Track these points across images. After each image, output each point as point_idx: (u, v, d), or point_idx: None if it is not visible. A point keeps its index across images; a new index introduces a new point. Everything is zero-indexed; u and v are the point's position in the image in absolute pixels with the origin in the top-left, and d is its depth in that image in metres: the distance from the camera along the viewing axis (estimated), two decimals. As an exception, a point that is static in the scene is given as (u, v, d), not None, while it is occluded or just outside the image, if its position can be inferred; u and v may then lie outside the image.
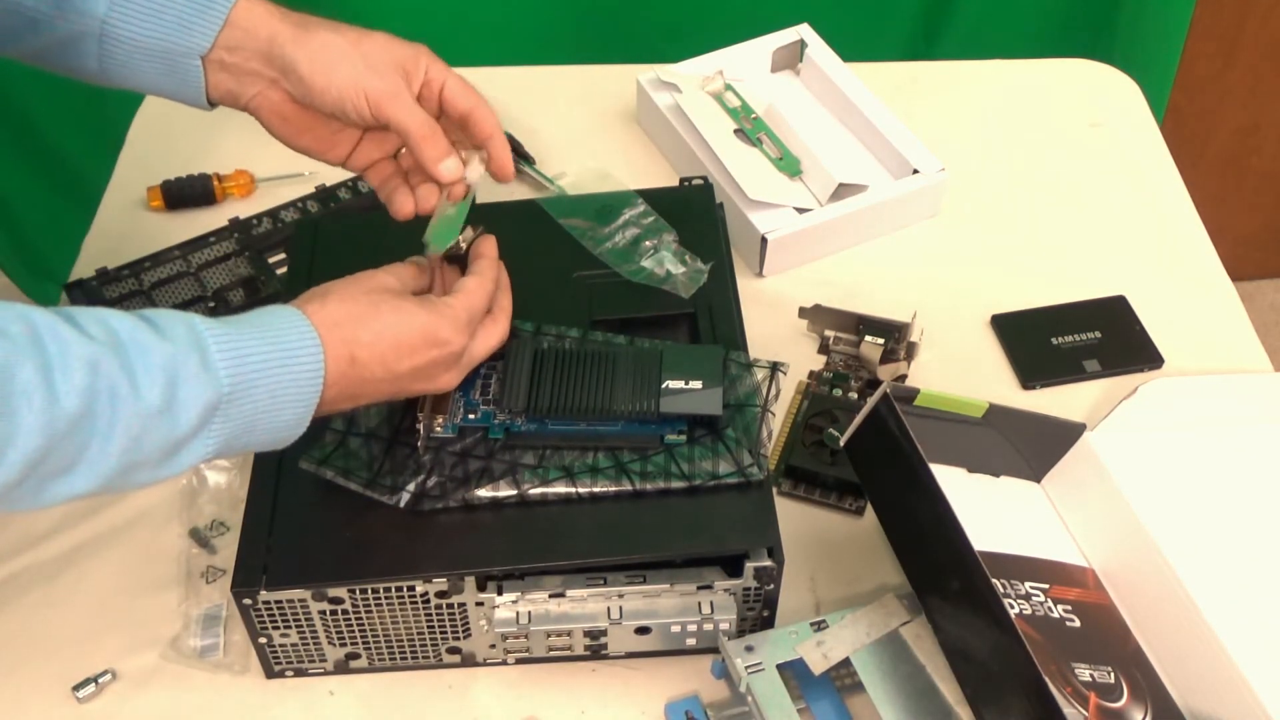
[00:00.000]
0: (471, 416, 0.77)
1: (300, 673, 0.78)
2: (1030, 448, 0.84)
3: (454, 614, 0.74)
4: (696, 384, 0.77)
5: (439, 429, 0.76)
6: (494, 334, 0.76)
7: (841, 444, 0.77)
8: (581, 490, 0.75)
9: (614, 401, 0.76)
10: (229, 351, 0.62)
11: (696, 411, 0.76)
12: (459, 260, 0.78)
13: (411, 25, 1.39)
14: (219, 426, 0.63)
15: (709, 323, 0.84)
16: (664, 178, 1.09)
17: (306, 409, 0.66)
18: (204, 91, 0.76)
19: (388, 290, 0.71)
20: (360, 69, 0.74)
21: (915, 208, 1.05)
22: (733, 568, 0.74)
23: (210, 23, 0.74)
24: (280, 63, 0.75)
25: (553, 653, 0.77)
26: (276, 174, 1.08)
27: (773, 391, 0.80)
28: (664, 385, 0.77)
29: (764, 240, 0.99)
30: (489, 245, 0.77)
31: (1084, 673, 0.73)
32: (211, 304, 0.98)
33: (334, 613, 0.73)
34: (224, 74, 0.76)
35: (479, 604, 0.74)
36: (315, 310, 0.67)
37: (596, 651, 0.77)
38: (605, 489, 0.75)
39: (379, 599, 0.73)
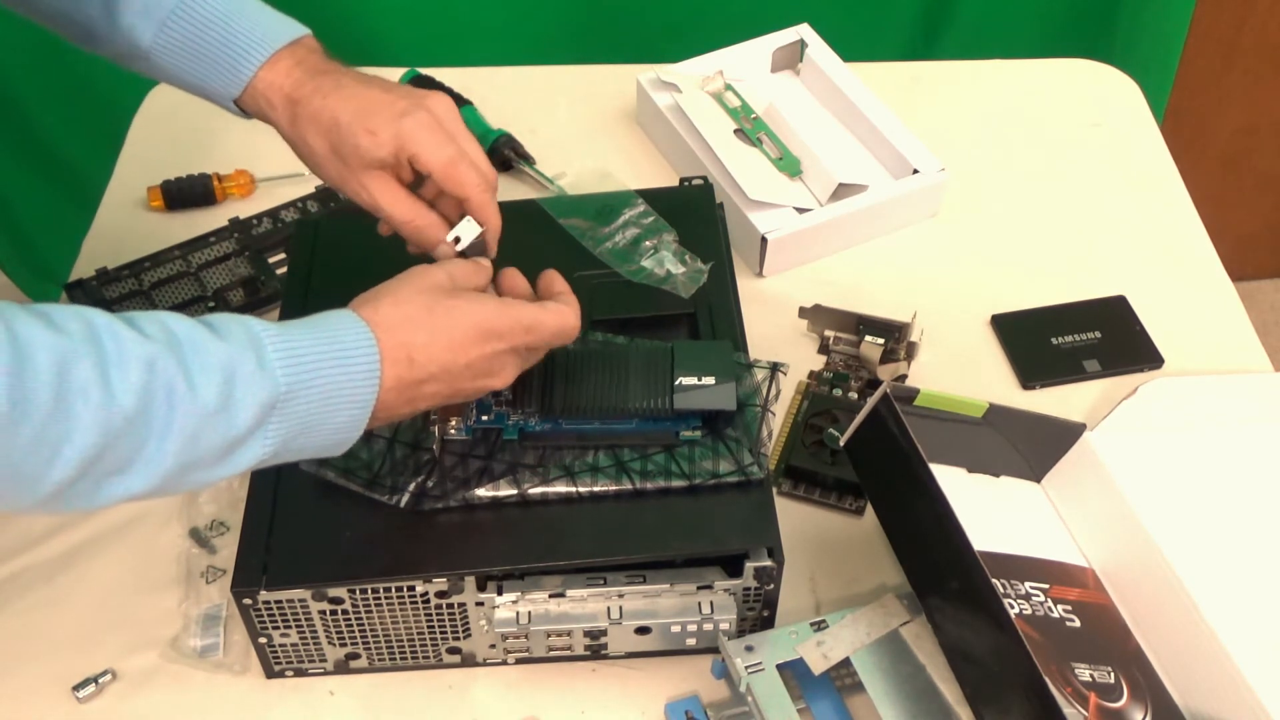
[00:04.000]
0: (485, 418, 0.77)
1: (300, 673, 0.78)
2: (1030, 448, 0.84)
3: (454, 614, 0.74)
4: (709, 380, 0.77)
5: (453, 431, 0.76)
6: (562, 315, 0.73)
7: (841, 444, 0.77)
8: (581, 490, 0.75)
9: (628, 399, 0.76)
10: (285, 351, 0.63)
11: (711, 407, 0.76)
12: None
13: (412, 25, 1.40)
14: (276, 426, 0.63)
15: (709, 323, 0.84)
16: (664, 178, 1.09)
17: (363, 409, 0.65)
18: (242, 114, 0.80)
19: (439, 289, 0.70)
20: (337, 178, 0.76)
21: (915, 208, 1.05)
22: (733, 568, 0.74)
23: (240, 76, 0.77)
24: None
25: (553, 653, 0.77)
26: (276, 174, 1.08)
27: (773, 391, 0.80)
28: (677, 382, 0.77)
29: (764, 240, 0.99)
30: (560, 283, 0.76)
31: (1084, 673, 0.73)
32: (211, 304, 0.98)
33: (334, 613, 0.73)
34: (260, 115, 0.79)
35: (479, 604, 0.74)
36: (370, 313, 0.67)
37: (596, 651, 0.77)
38: (605, 489, 0.75)
39: (379, 599, 0.73)
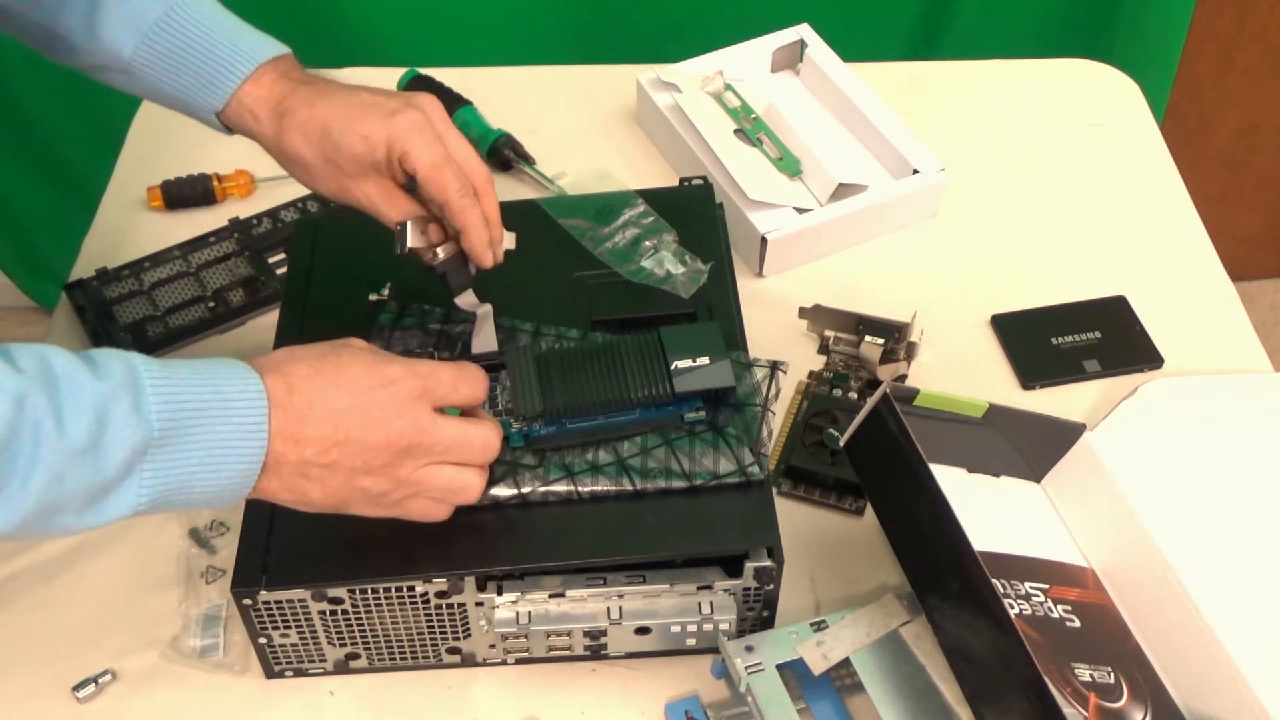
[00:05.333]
0: None
1: (300, 673, 0.78)
2: (1030, 448, 0.84)
3: (454, 614, 0.74)
4: (704, 359, 0.77)
5: None
6: (453, 370, 0.69)
7: (841, 444, 0.77)
8: (582, 490, 0.75)
9: (628, 390, 0.77)
10: (164, 395, 0.60)
11: (711, 385, 0.77)
12: (442, 277, 0.78)
13: (411, 25, 1.40)
14: (150, 475, 0.60)
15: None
16: (664, 178, 1.09)
17: (250, 464, 0.62)
18: (223, 129, 0.80)
19: (348, 344, 0.68)
20: (334, 186, 0.77)
21: (915, 208, 1.05)
22: (733, 568, 0.74)
23: (222, 90, 0.77)
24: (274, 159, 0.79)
25: (553, 653, 0.77)
26: (276, 174, 1.08)
27: (773, 391, 0.80)
28: (673, 366, 0.77)
29: (764, 240, 0.99)
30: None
31: (1084, 673, 0.73)
32: (211, 304, 0.99)
33: (334, 613, 0.73)
34: (243, 130, 0.79)
35: (479, 604, 0.74)
36: (262, 357, 0.65)
37: (596, 652, 0.77)
38: (605, 489, 0.75)
39: (379, 599, 0.73)
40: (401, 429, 0.66)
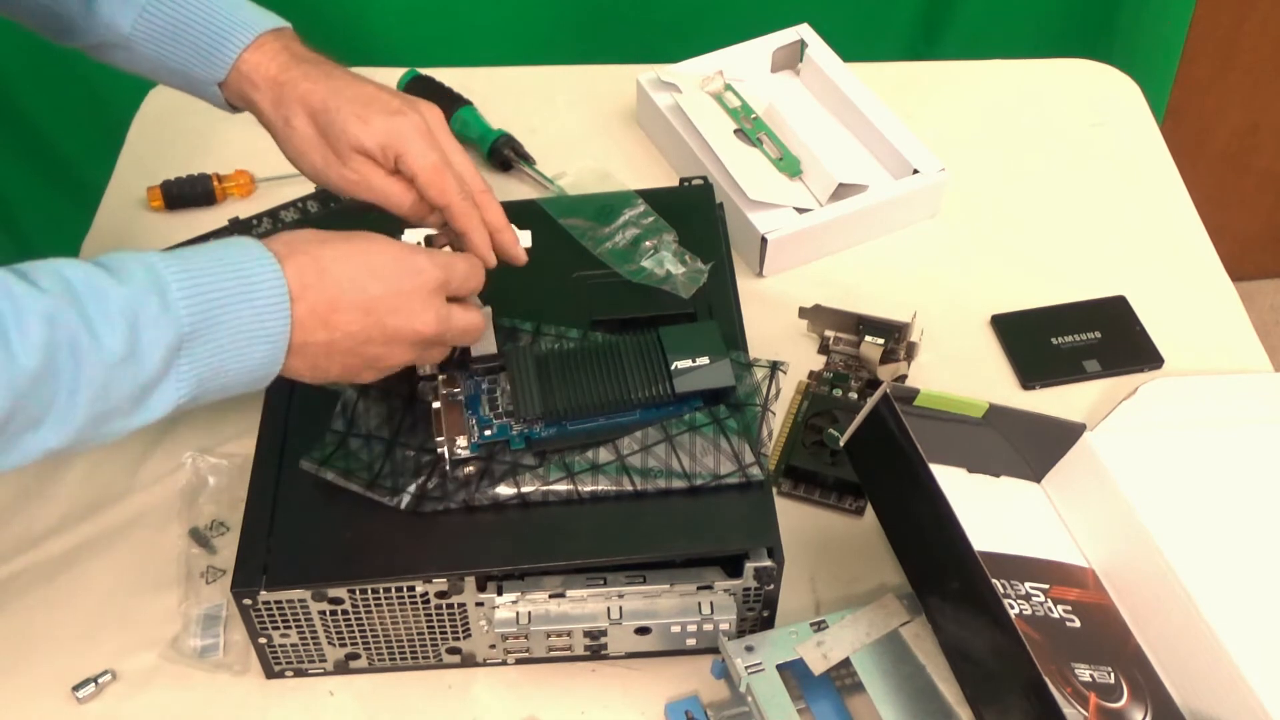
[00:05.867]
0: (488, 433, 0.77)
1: (300, 673, 0.78)
2: (1030, 448, 0.84)
3: (454, 614, 0.74)
4: (704, 359, 0.77)
5: (460, 451, 0.76)
6: (468, 257, 0.74)
7: (841, 444, 0.77)
8: (582, 490, 0.75)
9: (628, 390, 0.77)
10: (188, 288, 0.61)
11: (711, 385, 0.77)
12: None
13: (412, 25, 1.40)
14: (187, 368, 0.62)
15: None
16: (664, 178, 1.09)
17: (275, 345, 0.64)
18: (226, 105, 0.80)
19: (362, 232, 0.70)
20: (320, 162, 0.76)
21: (915, 208, 1.05)
22: (733, 568, 0.74)
23: (223, 58, 0.77)
24: (269, 132, 0.78)
25: (553, 653, 0.77)
26: (276, 174, 1.09)
27: (773, 391, 0.80)
28: (673, 366, 0.77)
29: (764, 240, 0.99)
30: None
31: (1084, 673, 0.73)
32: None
33: (334, 613, 0.73)
34: (242, 100, 0.79)
35: (479, 604, 0.74)
36: (276, 237, 0.66)
37: (596, 652, 0.77)
38: (605, 489, 0.75)
39: (379, 599, 0.73)
40: (428, 321, 0.69)
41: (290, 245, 0.66)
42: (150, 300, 0.60)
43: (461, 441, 0.76)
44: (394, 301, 0.68)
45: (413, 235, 0.77)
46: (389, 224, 0.78)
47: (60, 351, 0.58)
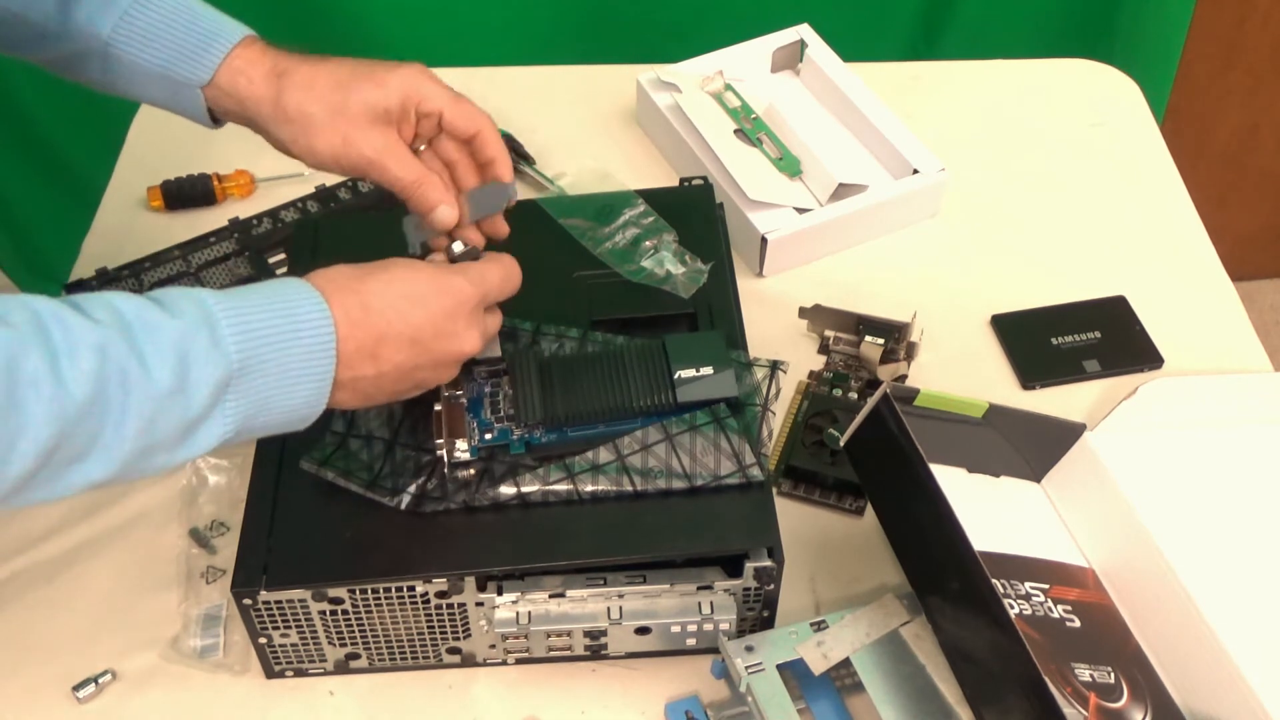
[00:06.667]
0: (489, 436, 0.77)
1: (300, 673, 0.78)
2: (1030, 448, 0.84)
3: (454, 614, 0.74)
4: (708, 370, 0.77)
5: (460, 454, 0.76)
6: (502, 261, 0.74)
7: (841, 444, 0.77)
8: (582, 490, 0.75)
9: (630, 399, 0.77)
10: (238, 326, 0.62)
11: (714, 396, 0.77)
12: None
13: (413, 25, 1.40)
14: (233, 404, 0.62)
15: (709, 323, 0.84)
16: (664, 178, 1.09)
17: (321, 383, 0.65)
18: (207, 115, 0.78)
19: (396, 260, 0.70)
20: (339, 141, 0.74)
21: (915, 208, 1.05)
22: (733, 568, 0.74)
23: (209, 59, 0.76)
24: (265, 130, 0.76)
25: (553, 653, 0.77)
26: (276, 174, 1.09)
27: (773, 391, 0.80)
28: (676, 375, 0.77)
29: (764, 240, 0.99)
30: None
31: (1084, 673, 0.73)
32: (211, 304, 0.98)
33: (334, 613, 0.73)
34: (227, 103, 0.77)
35: (479, 604, 0.74)
36: (318, 275, 0.66)
37: (596, 652, 0.77)
38: (605, 489, 0.75)
39: (379, 599, 0.73)
40: (473, 339, 0.70)
41: (333, 282, 0.66)
42: (201, 335, 0.60)
43: (461, 444, 0.76)
44: (438, 326, 0.68)
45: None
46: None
47: (110, 383, 0.58)
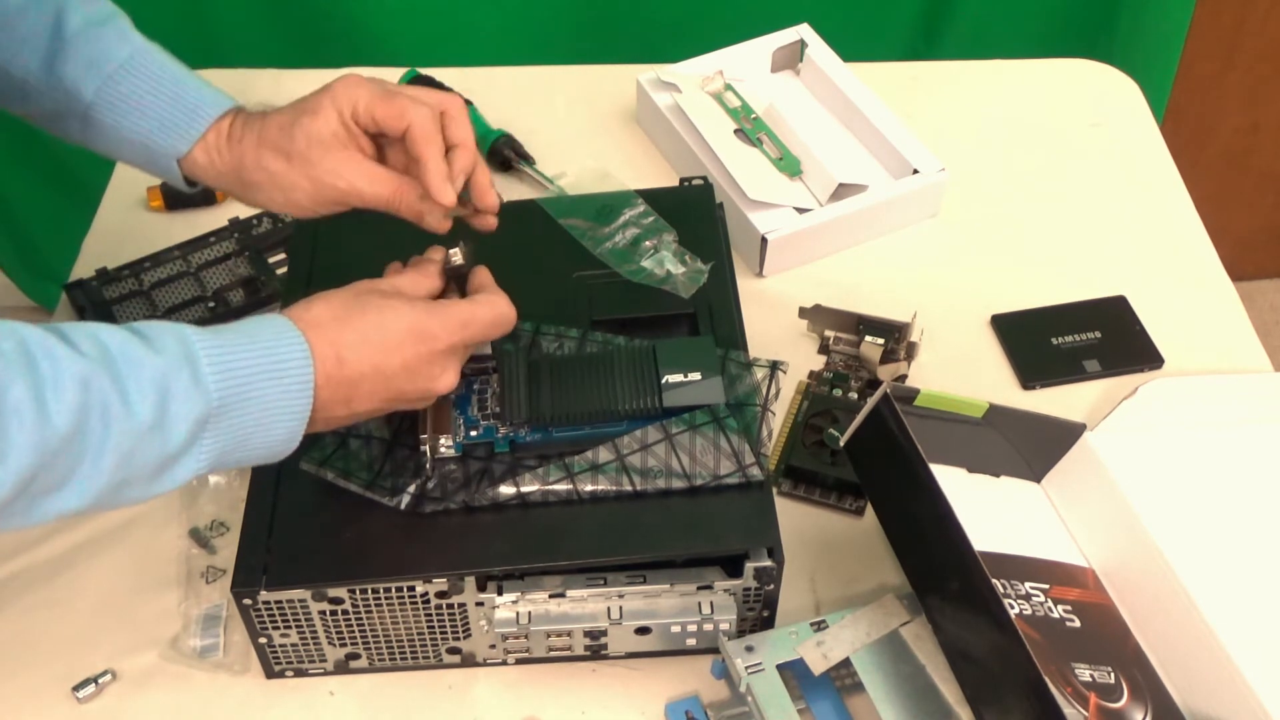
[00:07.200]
0: (474, 433, 0.77)
1: (300, 673, 0.78)
2: (1030, 448, 0.84)
3: (454, 614, 0.74)
4: (695, 375, 0.77)
5: (444, 450, 0.76)
6: (494, 305, 0.73)
7: (841, 444, 0.77)
8: (581, 490, 0.75)
9: (616, 401, 0.77)
10: (219, 365, 0.62)
11: (699, 402, 0.77)
12: (458, 279, 0.77)
13: (412, 25, 1.40)
14: (210, 441, 0.62)
15: (709, 323, 0.84)
16: (664, 178, 1.09)
17: (298, 422, 0.65)
18: (182, 180, 0.78)
19: (375, 291, 0.70)
20: (309, 186, 0.74)
21: (915, 208, 1.05)
22: (733, 568, 0.74)
23: (190, 132, 0.76)
24: (245, 199, 0.78)
25: (553, 653, 0.77)
26: (276, 174, 1.08)
27: (773, 390, 0.80)
28: (664, 380, 0.77)
29: (764, 240, 0.99)
30: (486, 276, 0.76)
31: (1084, 673, 0.73)
32: (211, 304, 0.99)
33: (334, 613, 0.73)
34: (200, 173, 0.77)
35: (479, 604, 0.74)
36: (300, 314, 0.67)
37: (596, 652, 0.77)
38: (605, 489, 0.75)
39: (379, 599, 0.73)
40: (447, 381, 0.71)
41: (314, 324, 0.66)
42: (182, 373, 0.61)
43: (446, 440, 0.76)
44: (413, 370, 0.69)
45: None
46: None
47: (92, 416, 0.58)
